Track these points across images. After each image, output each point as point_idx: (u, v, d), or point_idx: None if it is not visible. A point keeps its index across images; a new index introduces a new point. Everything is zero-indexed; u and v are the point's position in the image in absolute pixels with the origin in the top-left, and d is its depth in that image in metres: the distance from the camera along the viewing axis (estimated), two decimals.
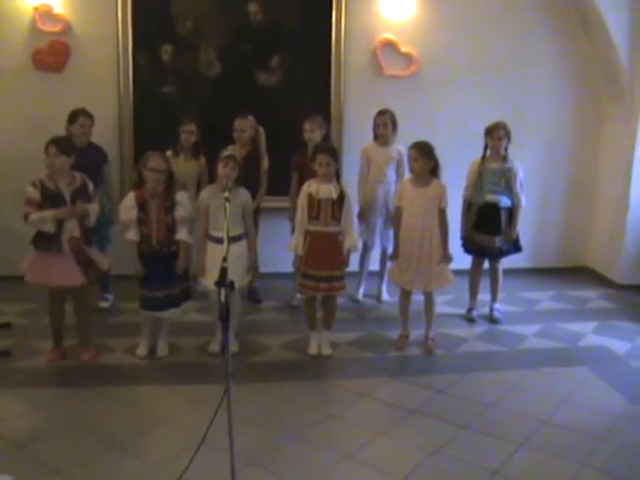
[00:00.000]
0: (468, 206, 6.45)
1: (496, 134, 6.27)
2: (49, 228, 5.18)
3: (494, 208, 6.32)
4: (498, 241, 6.37)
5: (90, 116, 6.33)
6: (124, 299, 6.60)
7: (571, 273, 8.18)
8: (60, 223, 5.20)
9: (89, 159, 6.07)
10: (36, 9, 6.94)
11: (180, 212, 5.46)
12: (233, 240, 5.29)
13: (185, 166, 6.45)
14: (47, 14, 6.98)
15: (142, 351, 5.65)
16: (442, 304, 6.61)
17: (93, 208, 5.37)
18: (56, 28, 7.03)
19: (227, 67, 7.38)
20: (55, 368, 5.43)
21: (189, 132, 6.55)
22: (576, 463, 4.19)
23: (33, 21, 6.99)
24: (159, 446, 4.34)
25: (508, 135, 6.28)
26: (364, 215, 6.72)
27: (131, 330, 5.86)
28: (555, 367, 5.63)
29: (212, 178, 5.72)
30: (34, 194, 5.18)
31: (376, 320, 6.64)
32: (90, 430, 4.48)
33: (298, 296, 6.69)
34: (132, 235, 5.45)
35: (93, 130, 6.40)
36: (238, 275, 5.18)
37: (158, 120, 7.08)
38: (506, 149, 6.32)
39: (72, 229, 5.24)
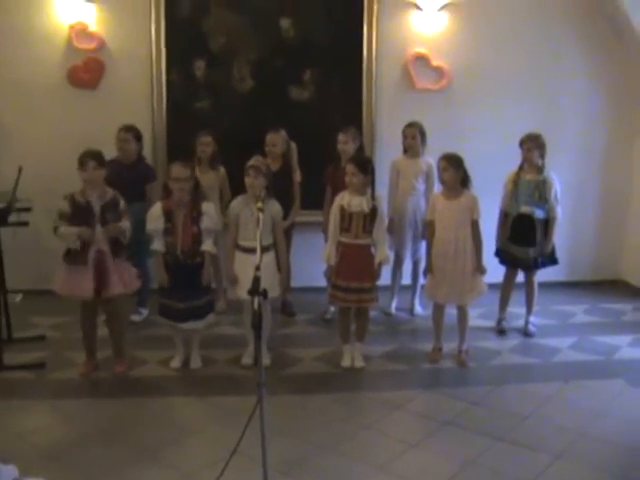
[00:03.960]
0: (504, 217, 6.42)
1: (526, 145, 6.26)
2: (73, 245, 5.22)
3: (529, 220, 6.28)
4: (532, 252, 6.32)
5: (129, 130, 6.45)
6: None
7: (606, 286, 8.07)
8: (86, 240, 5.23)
9: (137, 175, 6.23)
10: (72, 27, 7.07)
11: (206, 222, 5.46)
12: (262, 250, 5.27)
13: (203, 178, 6.41)
14: (82, 32, 7.09)
15: (176, 363, 5.69)
16: (474, 317, 6.53)
17: (125, 225, 5.39)
18: (91, 45, 7.13)
19: (259, 82, 7.42)
20: (88, 380, 5.47)
21: (205, 144, 6.67)
22: (612, 476, 4.13)
23: (69, 39, 7.11)
24: (192, 457, 4.34)
25: (540, 146, 6.23)
26: (393, 228, 6.68)
27: (164, 343, 5.89)
28: (590, 380, 5.56)
29: (239, 191, 5.74)
30: (64, 207, 5.23)
31: (409, 333, 6.61)
32: (123, 440, 4.51)
33: (331, 309, 6.71)
34: (158, 245, 5.47)
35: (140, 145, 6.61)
36: (267, 286, 5.15)
37: (191, 136, 7.04)
38: (542, 159, 6.28)
39: (100, 243, 5.25)
